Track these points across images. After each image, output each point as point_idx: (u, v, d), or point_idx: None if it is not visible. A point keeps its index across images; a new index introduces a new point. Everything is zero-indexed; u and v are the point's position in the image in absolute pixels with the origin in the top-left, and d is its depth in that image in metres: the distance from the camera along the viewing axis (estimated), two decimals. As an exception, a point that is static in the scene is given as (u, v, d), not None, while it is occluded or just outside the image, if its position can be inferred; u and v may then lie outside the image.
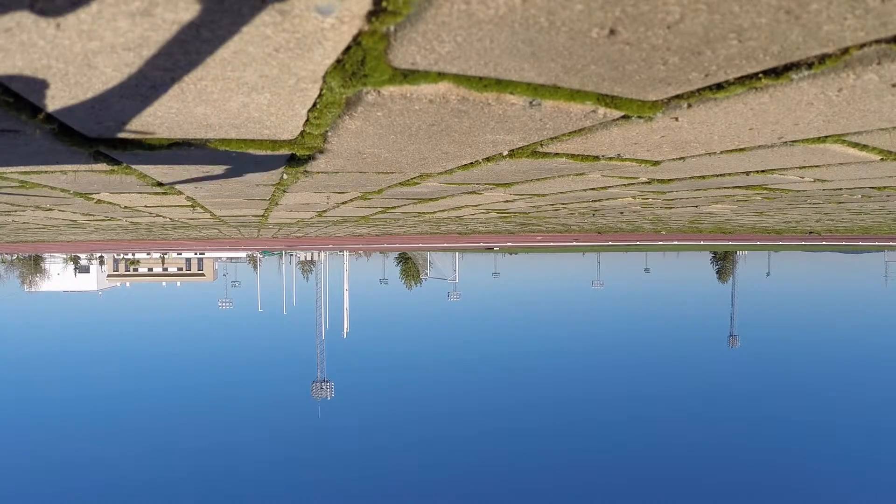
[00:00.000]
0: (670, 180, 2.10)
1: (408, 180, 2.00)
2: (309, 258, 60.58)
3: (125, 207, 3.03)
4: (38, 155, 1.29)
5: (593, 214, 4.74)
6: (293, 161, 1.43)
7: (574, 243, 21.57)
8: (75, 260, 57.89)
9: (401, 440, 32.77)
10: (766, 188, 2.47)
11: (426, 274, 61.39)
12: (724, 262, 58.44)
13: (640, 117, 1.00)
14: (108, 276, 61.79)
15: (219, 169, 1.62)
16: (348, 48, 0.65)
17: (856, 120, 1.04)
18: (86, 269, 59.45)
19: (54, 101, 0.82)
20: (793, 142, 1.26)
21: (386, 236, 12.49)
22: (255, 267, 64.57)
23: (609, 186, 2.39)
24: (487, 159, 1.47)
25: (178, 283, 63.53)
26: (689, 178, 2.02)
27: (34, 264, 57.80)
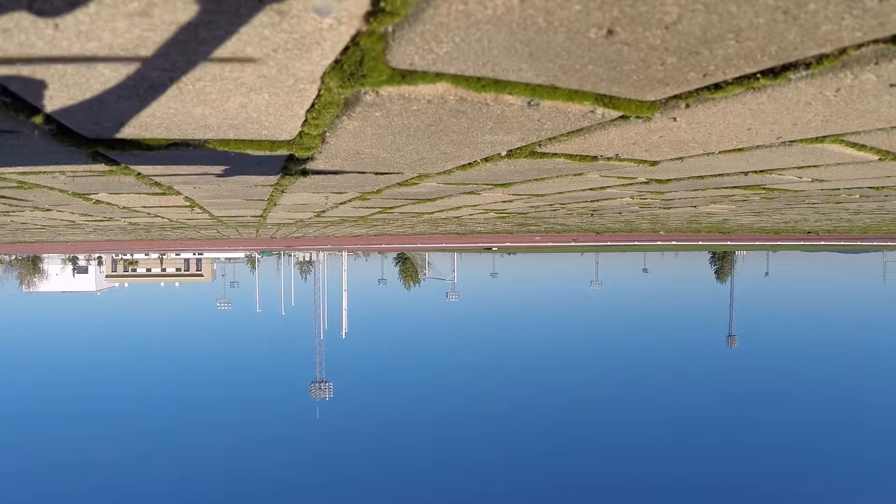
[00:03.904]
0: (668, 180, 2.10)
1: (406, 181, 2.00)
2: (307, 258, 60.49)
3: (123, 208, 3.03)
4: (36, 155, 1.29)
5: (592, 215, 4.74)
6: (292, 161, 1.43)
7: (572, 243, 21.59)
8: (74, 260, 57.78)
9: (400, 440, 32.76)
10: (764, 188, 2.48)
11: (425, 274, 61.35)
12: (722, 262, 58.44)
13: (638, 117, 1.00)
14: (107, 276, 61.70)
15: (217, 169, 1.62)
16: (346, 49, 0.65)
17: (854, 120, 1.04)
18: (84, 270, 59.33)
19: (52, 102, 0.82)
20: (791, 142, 1.26)
21: (384, 236, 12.49)
22: (253, 267, 64.51)
23: (607, 186, 2.39)
24: (486, 159, 1.47)
25: (177, 284, 63.46)
26: (688, 178, 2.02)
27: (32, 265, 57.67)
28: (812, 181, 2.19)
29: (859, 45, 0.66)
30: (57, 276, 59.16)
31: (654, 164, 1.60)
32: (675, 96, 0.87)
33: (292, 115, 0.95)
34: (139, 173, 1.67)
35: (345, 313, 44.68)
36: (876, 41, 0.64)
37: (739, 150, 1.35)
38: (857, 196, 2.96)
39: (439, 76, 0.76)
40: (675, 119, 1.02)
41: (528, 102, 0.89)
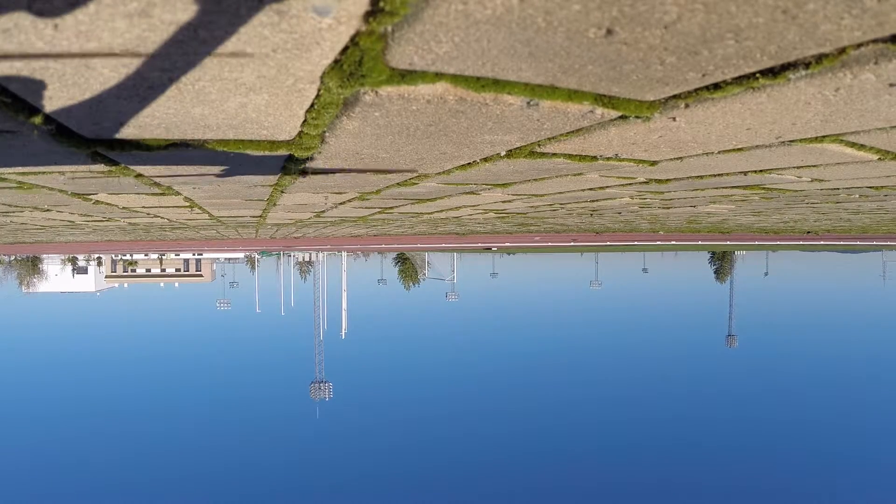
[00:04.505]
0: (668, 180, 2.10)
1: (406, 181, 2.00)
2: (307, 259, 60.44)
3: (123, 208, 3.03)
4: (35, 156, 1.29)
5: (591, 215, 4.74)
6: (291, 162, 1.43)
7: (572, 243, 21.58)
8: (73, 261, 57.71)
9: (399, 440, 32.77)
10: (763, 188, 2.48)
11: (424, 274, 61.34)
12: (722, 262, 58.42)
13: (637, 117, 1.00)
14: (106, 277, 61.67)
15: (217, 169, 1.62)
16: (346, 49, 0.65)
17: (853, 119, 1.04)
18: (84, 270, 59.28)
19: (52, 102, 0.82)
20: (790, 141, 1.26)
21: (384, 237, 12.49)
22: (252, 268, 64.44)
23: (607, 186, 2.39)
24: (485, 159, 1.47)
25: (176, 284, 63.46)
26: (687, 178, 2.02)
27: (32, 265, 57.60)
28: (811, 181, 2.19)
29: (858, 45, 0.66)
30: (56, 277, 59.11)
31: (653, 164, 1.60)
32: (675, 96, 0.87)
33: (292, 115, 0.95)
34: (139, 174, 1.67)
35: (344, 314, 44.67)
36: (875, 41, 0.64)
37: (739, 149, 1.35)
38: (857, 196, 2.96)
39: (439, 76, 0.76)
40: (674, 119, 1.02)
41: (528, 102, 0.89)
